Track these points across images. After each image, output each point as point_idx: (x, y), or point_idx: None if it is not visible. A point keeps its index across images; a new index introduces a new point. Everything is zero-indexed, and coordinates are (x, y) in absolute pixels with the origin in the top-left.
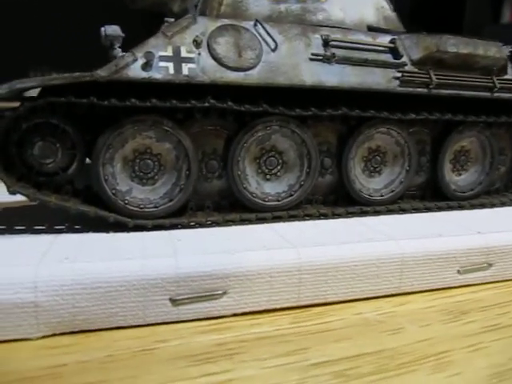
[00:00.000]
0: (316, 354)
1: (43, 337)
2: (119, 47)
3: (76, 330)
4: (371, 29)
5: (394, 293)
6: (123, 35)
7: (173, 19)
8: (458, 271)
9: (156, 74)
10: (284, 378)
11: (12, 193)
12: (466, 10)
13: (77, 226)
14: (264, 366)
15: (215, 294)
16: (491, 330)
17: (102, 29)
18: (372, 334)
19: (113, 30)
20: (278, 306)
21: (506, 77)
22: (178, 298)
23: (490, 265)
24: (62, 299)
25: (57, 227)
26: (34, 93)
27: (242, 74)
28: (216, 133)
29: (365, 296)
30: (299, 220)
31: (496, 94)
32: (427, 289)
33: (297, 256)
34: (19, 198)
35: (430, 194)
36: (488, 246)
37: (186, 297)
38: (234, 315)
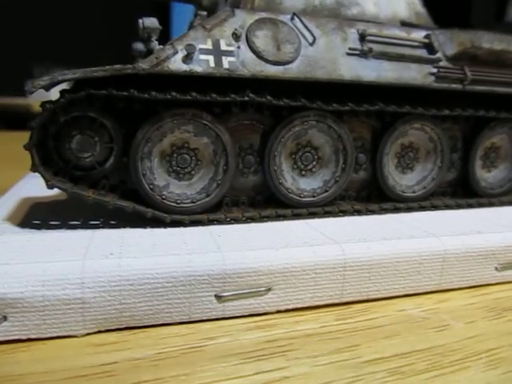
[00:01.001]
0: (367, 351)
1: (88, 334)
2: (156, 40)
3: (122, 326)
4: (404, 24)
5: (434, 289)
6: (161, 27)
7: (205, 12)
8: (496, 268)
9: (197, 67)
10: (339, 376)
11: (50, 187)
12: (471, 8)
13: (112, 222)
14: (317, 363)
15: (260, 291)
16: None
17: (140, 21)
18: (419, 331)
19: (151, 22)
20: (321, 303)
21: None
22: (223, 294)
23: None
24: (109, 295)
25: (92, 222)
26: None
27: (281, 67)
28: (252, 127)
29: (406, 293)
30: (334, 216)
31: None
32: (466, 286)
33: (341, 252)
34: (47, 192)
35: (460, 190)
36: None
37: (231, 293)
38: (278, 312)
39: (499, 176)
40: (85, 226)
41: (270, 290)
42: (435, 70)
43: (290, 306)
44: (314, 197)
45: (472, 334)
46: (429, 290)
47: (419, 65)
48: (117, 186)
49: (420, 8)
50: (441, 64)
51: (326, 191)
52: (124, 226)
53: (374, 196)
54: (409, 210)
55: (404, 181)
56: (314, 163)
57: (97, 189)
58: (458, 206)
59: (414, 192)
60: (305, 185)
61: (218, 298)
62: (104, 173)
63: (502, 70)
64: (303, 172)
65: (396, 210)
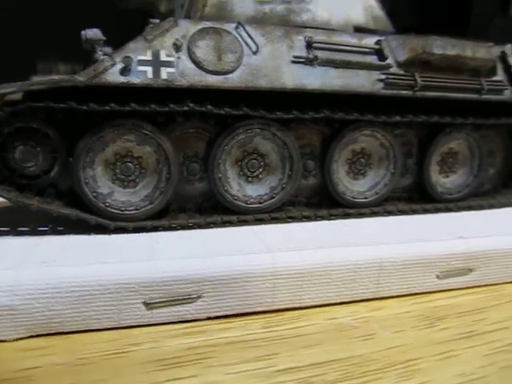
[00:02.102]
0: (284, 360)
1: (20, 339)
2: (100, 50)
3: (52, 332)
4: (358, 30)
5: (371, 297)
6: (104, 38)
7: (157, 20)
8: (438, 276)
9: (134, 79)
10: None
11: None
12: (474, 1)
13: (60, 228)
14: (230, 371)
15: (189, 298)
16: (465, 338)
17: (83, 32)
18: (343, 340)
19: (94, 33)
20: (251, 310)
21: (495, 78)
22: (151, 301)
23: (471, 270)
24: (37, 303)
25: (41, 229)
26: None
27: (221, 77)
28: (198, 135)
29: (341, 300)
30: (282, 222)
31: (484, 96)
32: (405, 293)
33: (271, 261)
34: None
35: (417, 196)
36: (469, 251)
37: (159, 300)
38: (209, 319)
39: (457, 181)
40: (33, 232)
41: (199, 297)
42: (384, 77)
43: (220, 313)
44: (260, 203)
45: (396, 343)
46: (365, 298)
47: (368, 71)
48: (66, 193)
49: (378, 12)
50: (391, 70)
51: (273, 198)
52: (70, 233)
53: (326, 202)
54: (360, 215)
55: (356, 187)
56: (261, 170)
57: (43, 197)
58: (414, 212)
59: (365, 198)
60: (251, 191)
61: (147, 305)
62: (51, 181)
63: (458, 75)
64: (250, 179)
65: (346, 216)
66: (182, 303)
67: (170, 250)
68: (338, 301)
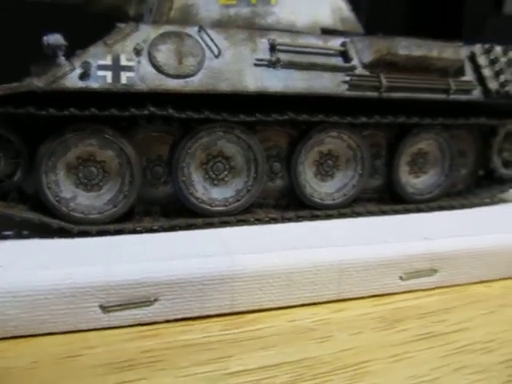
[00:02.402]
0: (236, 363)
1: None
2: (63, 56)
3: (8, 336)
4: (325, 31)
5: (332, 299)
6: (66, 43)
7: (124, 25)
8: (401, 277)
9: (93, 84)
10: None
11: None
12: (467, 0)
13: (25, 232)
14: (181, 374)
15: (146, 301)
16: (421, 339)
17: (45, 38)
18: (299, 342)
19: (55, 39)
20: (211, 313)
21: (463, 78)
22: (108, 305)
23: (435, 271)
24: None
25: (6, 233)
26: None
27: (181, 81)
28: (162, 139)
29: (302, 303)
30: (248, 224)
31: (452, 96)
32: (368, 295)
33: (230, 264)
34: None
35: (387, 197)
36: (433, 252)
37: (116, 304)
38: (167, 321)
39: (428, 182)
40: None
41: (156, 300)
42: (348, 78)
43: (179, 316)
44: (225, 206)
45: (351, 345)
46: (327, 300)
47: (332, 73)
48: (31, 197)
49: (347, 14)
50: (356, 72)
51: (238, 200)
52: (33, 237)
53: (294, 204)
54: (328, 217)
55: (324, 188)
56: (226, 173)
57: (6, 201)
58: (383, 213)
59: (333, 199)
60: (217, 194)
61: (103, 308)
62: (14, 185)
63: (425, 76)
64: (215, 182)
65: (314, 218)
66: (139, 306)
67: (129, 253)
68: (299, 303)
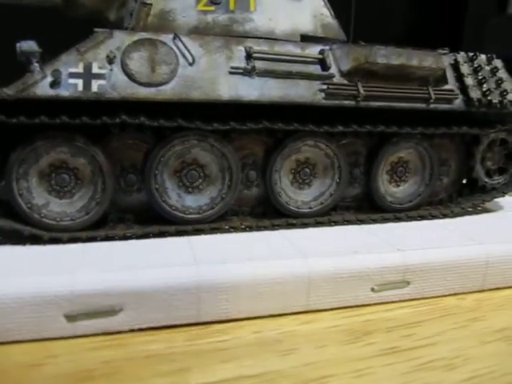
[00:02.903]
0: (197, 376)
1: None
2: (37, 62)
3: None
4: (305, 38)
5: (302, 310)
6: (40, 50)
7: (101, 30)
8: (372, 289)
9: (64, 92)
10: None
11: None
12: (470, 1)
13: None
14: None
15: (111, 311)
16: (387, 354)
17: (18, 45)
18: (263, 355)
19: (28, 45)
20: (177, 323)
21: (445, 87)
22: (72, 314)
23: (408, 283)
24: None
25: None
26: None
27: (154, 89)
28: (136, 147)
29: (270, 313)
30: (222, 232)
31: (432, 105)
32: (338, 306)
33: (195, 274)
34: None
35: (366, 205)
36: (405, 264)
37: (80, 313)
38: (132, 331)
39: (409, 191)
40: None
41: (121, 310)
42: (325, 87)
43: (144, 326)
44: (199, 214)
45: (315, 359)
46: (296, 311)
47: (309, 82)
48: (3, 204)
49: (330, 20)
50: (334, 80)
51: (213, 208)
52: (5, 244)
53: (270, 212)
54: (304, 225)
55: (300, 196)
56: (201, 181)
57: None
58: (361, 222)
59: (310, 208)
60: (191, 202)
61: (68, 317)
62: None
63: (405, 84)
64: (190, 189)
65: (290, 226)
66: (104, 316)
67: (96, 261)
68: (267, 314)
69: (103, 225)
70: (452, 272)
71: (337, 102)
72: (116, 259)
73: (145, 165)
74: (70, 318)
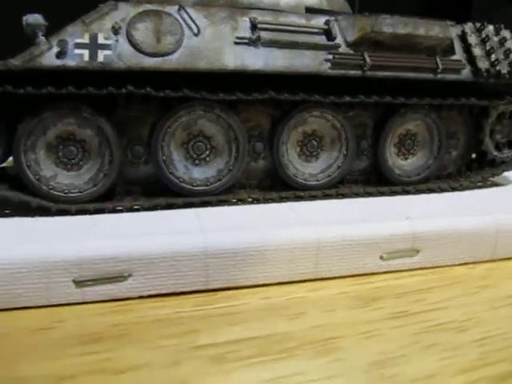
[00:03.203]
0: (204, 337)
1: None
2: (43, 35)
3: None
4: (309, 10)
5: (310, 278)
6: (46, 23)
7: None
8: (381, 257)
9: (70, 62)
10: (160, 358)
11: None
12: None
13: (7, 211)
14: (147, 346)
15: (119, 277)
16: (395, 318)
17: (24, 18)
18: (270, 319)
19: (34, 18)
20: (185, 290)
21: (452, 57)
22: (81, 279)
23: (417, 251)
24: None
25: None
26: None
27: (159, 59)
28: (141, 119)
29: (278, 281)
30: (230, 205)
31: (440, 76)
32: (347, 275)
33: (203, 241)
34: None
35: (374, 178)
36: (414, 232)
37: (89, 279)
38: (141, 297)
39: (417, 163)
40: None
41: (130, 276)
42: (331, 57)
43: (153, 292)
44: (207, 186)
45: (322, 322)
46: (304, 279)
47: (315, 52)
48: (12, 177)
49: None
50: (339, 50)
51: (220, 180)
52: (14, 216)
53: (278, 185)
54: (312, 198)
55: (308, 169)
56: (208, 152)
57: None
58: (369, 194)
59: (317, 180)
60: (198, 174)
61: (77, 283)
62: None
63: (413, 54)
64: (197, 161)
65: (297, 199)
66: (112, 282)
67: (105, 230)
68: (275, 281)
69: (111, 197)
70: (462, 241)
71: (343, 71)
72: (124, 229)
73: (151, 136)
74: (79, 283)
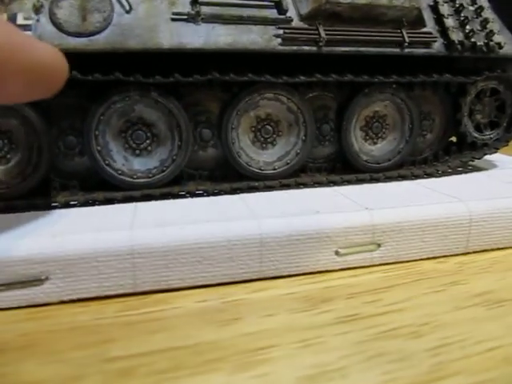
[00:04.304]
0: (118, 348)
1: None
2: None
3: None
4: None
5: (255, 277)
6: None
7: None
8: (337, 252)
9: None
10: (62, 373)
11: None
12: None
13: None
14: (51, 359)
15: (35, 280)
16: (342, 322)
17: None
18: (199, 325)
19: None
20: (111, 293)
21: (422, 30)
22: None
23: (379, 245)
24: None
25: None
26: None
27: (85, 39)
28: (73, 106)
29: (218, 281)
30: (175, 198)
31: (407, 50)
32: (297, 273)
33: (128, 239)
34: None
35: (340, 166)
36: (373, 224)
37: (1, 283)
38: (63, 303)
39: (387, 148)
40: None
41: (47, 279)
42: (281, 32)
43: (74, 297)
44: (149, 178)
45: (257, 329)
46: (248, 278)
47: (264, 27)
48: None
49: None
50: (292, 25)
51: (163, 171)
52: None
53: (232, 175)
54: (268, 188)
55: (263, 157)
56: (149, 141)
57: None
58: (333, 183)
59: (274, 169)
60: (139, 165)
61: None
62: None
63: (376, 27)
64: (137, 151)
65: (252, 190)
66: (27, 286)
67: (21, 229)
68: (215, 282)
69: (47, 193)
70: (430, 232)
71: (295, 47)
72: (43, 227)
73: (83, 125)
74: None
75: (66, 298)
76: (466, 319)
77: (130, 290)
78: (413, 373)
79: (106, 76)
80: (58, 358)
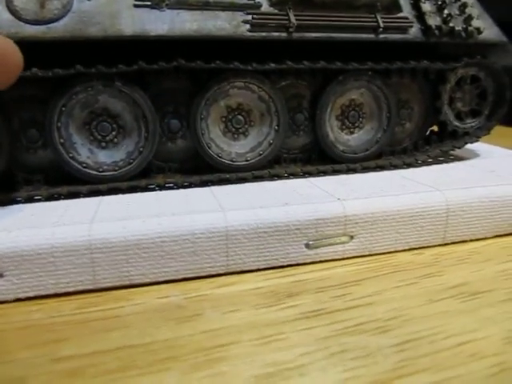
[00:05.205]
0: (70, 347)
1: None
2: None
3: None
4: None
5: (221, 272)
6: None
7: None
8: (307, 245)
9: None
10: (5, 375)
11: None
12: None
13: None
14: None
15: None
16: (308, 317)
17: None
18: (158, 322)
19: None
20: (69, 290)
21: (398, 15)
22: None
23: (351, 237)
24: None
25: None
26: None
27: (43, 27)
28: (34, 98)
29: (181, 277)
30: (143, 191)
31: (382, 36)
32: (266, 267)
33: (86, 233)
34: None
35: (316, 157)
36: (346, 215)
37: None
38: (19, 300)
39: (364, 138)
40: None
41: (1, 276)
42: (250, 18)
43: (30, 294)
44: (115, 171)
45: (217, 326)
46: (214, 273)
47: (231, 13)
48: None
49: None
50: (261, 10)
51: (130, 164)
52: None
53: (204, 168)
54: (241, 181)
55: (235, 148)
56: (115, 133)
57: None
58: (308, 174)
59: (246, 160)
60: (105, 158)
61: None
62: None
63: (350, 13)
64: (103, 143)
65: (223, 182)
66: None
67: None
68: (179, 277)
69: (11, 188)
70: (405, 223)
71: (264, 34)
72: (1, 221)
73: (45, 117)
74: None
75: (21, 296)
76: (438, 313)
77: (90, 287)
78: (376, 370)
79: (66, 70)
80: (5, 358)
